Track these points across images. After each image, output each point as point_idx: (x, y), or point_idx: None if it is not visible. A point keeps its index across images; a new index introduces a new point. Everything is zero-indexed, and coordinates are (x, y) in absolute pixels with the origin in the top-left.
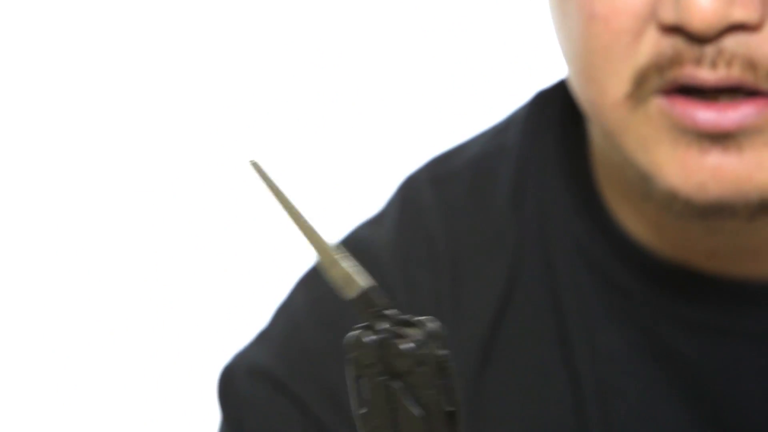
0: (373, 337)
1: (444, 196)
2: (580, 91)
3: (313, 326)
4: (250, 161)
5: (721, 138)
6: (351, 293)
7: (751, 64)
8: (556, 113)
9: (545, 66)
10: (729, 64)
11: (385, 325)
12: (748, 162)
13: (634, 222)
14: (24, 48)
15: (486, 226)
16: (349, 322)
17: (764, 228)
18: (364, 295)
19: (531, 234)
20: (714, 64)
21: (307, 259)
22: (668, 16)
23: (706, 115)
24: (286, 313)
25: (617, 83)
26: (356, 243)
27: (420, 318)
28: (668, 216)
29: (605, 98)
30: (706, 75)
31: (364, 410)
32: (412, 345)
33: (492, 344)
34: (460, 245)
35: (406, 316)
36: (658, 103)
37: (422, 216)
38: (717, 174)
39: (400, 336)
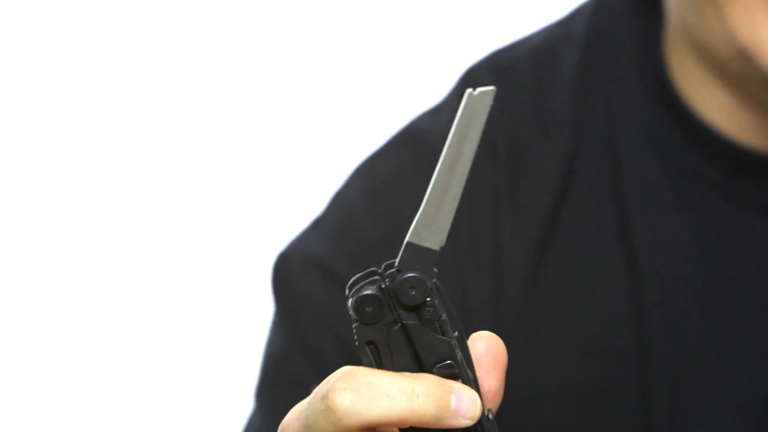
0: (373, 288)
1: (504, 86)
2: None
3: (368, 215)
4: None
5: None
6: None
7: None
8: (626, 2)
9: None
10: None
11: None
12: None
13: (713, 107)
14: (24, 48)
15: (546, 115)
16: (404, 212)
17: None
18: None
19: (594, 123)
20: None
21: None
22: None
23: None
24: (341, 201)
25: None
26: (415, 132)
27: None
28: (763, 97)
29: None
30: None
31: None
32: (415, 274)
33: (551, 233)
34: (520, 134)
35: (391, 261)
36: None
37: None
38: None
39: (400, 272)
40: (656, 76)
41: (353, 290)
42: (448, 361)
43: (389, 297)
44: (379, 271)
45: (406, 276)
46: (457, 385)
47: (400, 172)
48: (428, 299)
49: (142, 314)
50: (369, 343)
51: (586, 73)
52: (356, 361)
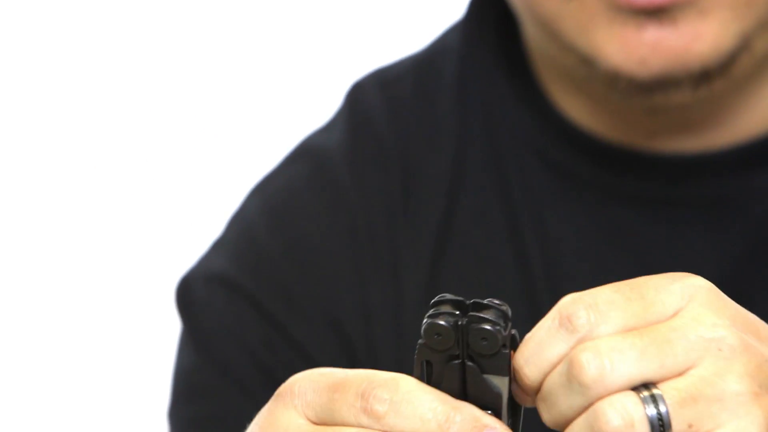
0: (450, 321)
1: (391, 98)
2: None
3: (267, 229)
4: None
5: (656, 13)
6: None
7: None
8: (492, 15)
9: None
10: None
11: (456, 311)
12: (685, 33)
13: (576, 109)
14: (24, 48)
15: (432, 123)
16: (301, 224)
17: (703, 105)
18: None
19: (476, 127)
20: None
21: None
22: None
23: None
24: (239, 220)
25: None
26: (308, 149)
27: (492, 300)
28: (612, 97)
29: None
30: None
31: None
32: (495, 327)
33: (444, 235)
34: (409, 143)
35: (480, 300)
36: None
37: (371, 118)
38: (656, 48)
39: (479, 319)
40: (524, 81)
41: (433, 310)
42: (488, 411)
43: (460, 336)
44: (467, 303)
45: (483, 327)
46: (494, 424)
47: (296, 187)
48: (497, 353)
49: (141, 314)
50: (426, 362)
51: (463, 81)
52: (265, 370)
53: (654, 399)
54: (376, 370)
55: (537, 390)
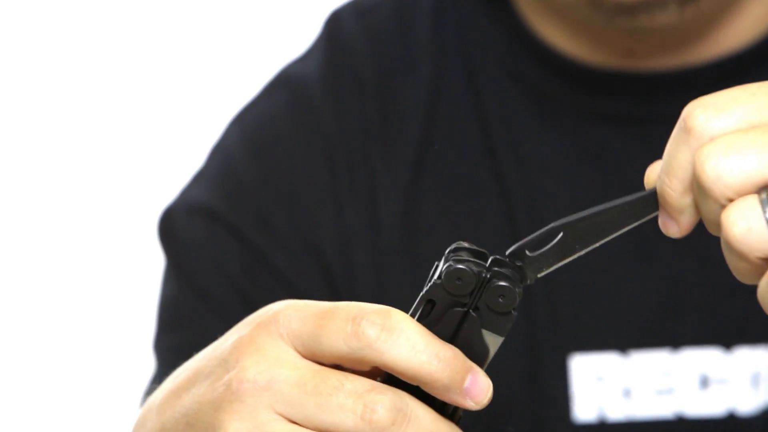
0: (475, 270)
1: (368, 25)
2: None
3: (246, 158)
4: None
5: None
6: None
7: None
8: None
9: None
10: None
11: (481, 262)
12: None
13: (551, 30)
14: (24, 48)
15: (409, 49)
16: (280, 152)
17: (686, 24)
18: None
19: (452, 52)
20: None
21: None
22: None
23: None
24: (219, 150)
25: None
26: (286, 78)
27: (509, 257)
28: (595, 18)
29: None
30: None
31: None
32: (516, 287)
33: (422, 159)
34: (386, 70)
35: (500, 257)
36: None
37: (348, 46)
38: None
39: (502, 276)
40: (500, 3)
41: (456, 255)
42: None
43: (479, 287)
44: (493, 258)
45: (505, 284)
46: (478, 369)
47: (275, 116)
48: (506, 313)
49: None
50: (430, 301)
51: (440, 8)
52: (246, 298)
53: None
54: (355, 297)
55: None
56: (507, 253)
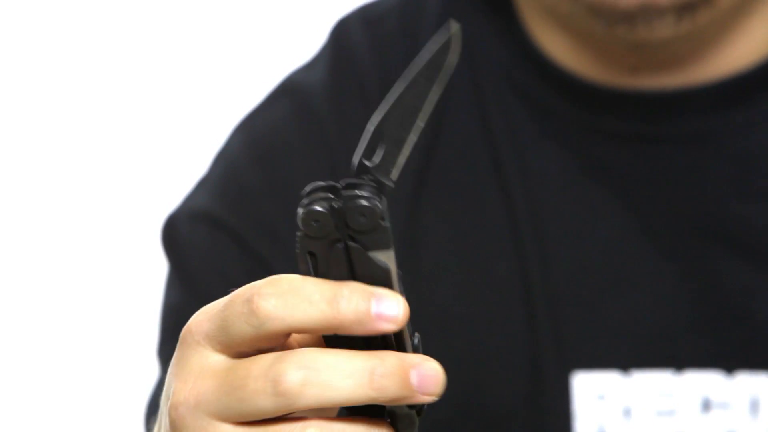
0: (325, 205)
1: (375, 35)
2: None
3: (250, 165)
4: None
5: None
6: None
7: None
8: None
9: None
10: None
11: (329, 195)
12: None
13: (557, 45)
14: (24, 48)
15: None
16: (284, 159)
17: (686, 40)
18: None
19: (460, 64)
20: None
21: None
22: None
23: None
24: (223, 157)
25: None
26: (291, 86)
27: (357, 179)
28: (595, 28)
29: None
30: None
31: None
32: (371, 201)
33: (426, 169)
34: (391, 79)
35: (352, 180)
36: None
37: (354, 55)
38: None
39: (354, 197)
40: (506, 19)
41: (307, 200)
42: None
43: (339, 217)
44: (339, 187)
45: (358, 204)
46: (380, 291)
47: (279, 123)
48: (377, 227)
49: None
50: (310, 253)
51: (446, 18)
52: None
53: None
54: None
55: None
56: (354, 173)
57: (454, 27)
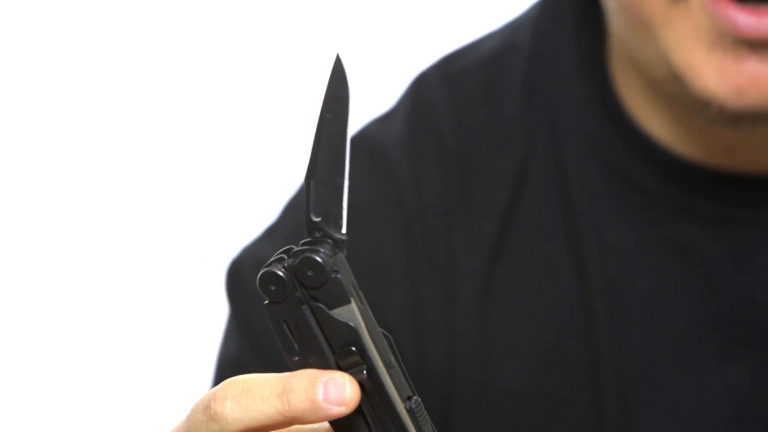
0: (278, 266)
1: (455, 93)
2: None
3: None
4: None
5: (758, 46)
6: None
7: None
8: (569, 10)
9: None
10: None
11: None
12: None
13: (652, 118)
14: (24, 48)
15: (497, 123)
16: (356, 222)
17: None
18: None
19: (542, 130)
20: None
21: None
22: None
23: (747, 19)
24: (293, 208)
25: None
26: (366, 140)
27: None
28: (696, 118)
29: None
30: None
31: (296, 358)
32: (317, 254)
33: (502, 240)
34: (471, 142)
35: (308, 239)
36: (701, 0)
37: (433, 113)
38: (755, 81)
39: (297, 254)
40: (598, 84)
41: (264, 267)
42: (351, 348)
43: (293, 276)
44: (295, 249)
45: (303, 257)
46: (327, 375)
47: (353, 182)
48: (327, 281)
49: (141, 314)
50: (279, 322)
51: (533, 81)
52: None
53: None
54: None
55: None
56: (306, 232)
57: (336, 57)
